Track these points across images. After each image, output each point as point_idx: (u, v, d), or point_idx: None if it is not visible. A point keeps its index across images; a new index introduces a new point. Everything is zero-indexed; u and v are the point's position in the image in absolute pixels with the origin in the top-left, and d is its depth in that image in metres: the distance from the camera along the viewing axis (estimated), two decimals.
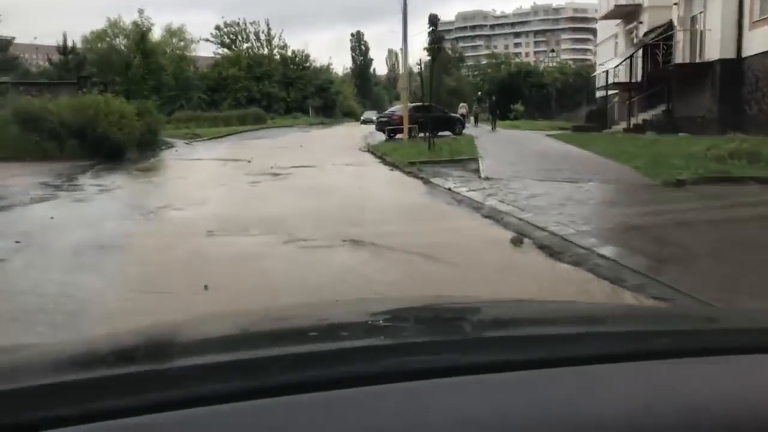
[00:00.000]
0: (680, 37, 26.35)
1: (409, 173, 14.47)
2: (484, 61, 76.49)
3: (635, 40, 32.14)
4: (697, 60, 24.96)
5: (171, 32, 56.34)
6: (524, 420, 0.76)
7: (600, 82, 35.10)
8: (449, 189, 11.43)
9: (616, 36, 35.96)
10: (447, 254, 6.40)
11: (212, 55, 63.23)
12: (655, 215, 8.27)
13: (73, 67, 36.96)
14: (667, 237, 6.95)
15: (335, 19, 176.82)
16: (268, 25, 65.70)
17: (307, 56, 65.56)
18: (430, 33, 19.24)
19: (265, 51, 63.93)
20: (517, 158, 16.29)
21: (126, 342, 1.19)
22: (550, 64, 70.80)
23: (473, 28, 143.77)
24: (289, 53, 64.66)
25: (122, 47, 51.10)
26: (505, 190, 10.67)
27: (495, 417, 0.75)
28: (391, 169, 16.01)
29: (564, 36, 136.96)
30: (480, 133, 28.99)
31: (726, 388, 0.84)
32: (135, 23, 50.22)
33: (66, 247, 6.71)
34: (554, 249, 6.67)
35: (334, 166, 17.14)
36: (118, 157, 19.96)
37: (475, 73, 73.01)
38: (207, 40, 62.40)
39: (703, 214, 8.23)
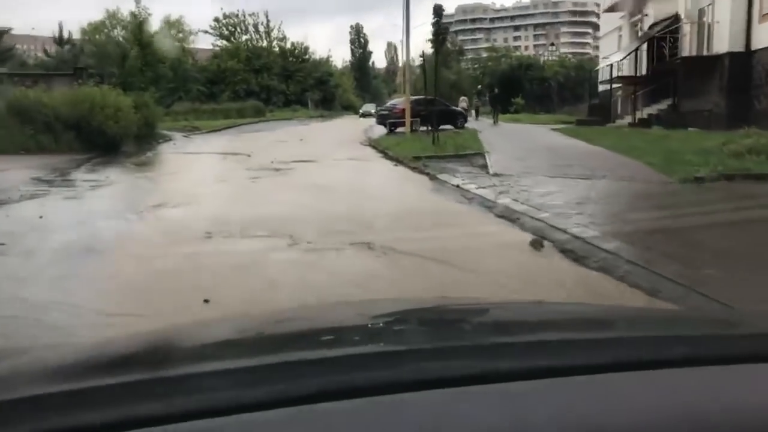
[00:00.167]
0: (687, 30, 25.85)
1: (414, 169, 13.99)
2: (484, 55, 75.96)
3: (640, 33, 31.64)
4: (705, 53, 24.48)
5: (169, 24, 55.83)
6: (548, 429, 0.73)
7: (604, 75, 34.55)
8: (458, 186, 10.97)
9: (619, 29, 35.44)
10: (464, 260, 5.96)
11: (211, 47, 62.79)
12: (679, 215, 7.81)
13: (69, 58, 36.36)
14: (698, 240, 6.51)
15: (334, 11, 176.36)
16: (267, 17, 65.37)
17: (306, 48, 65.11)
18: (434, 24, 18.75)
19: (264, 43, 63.49)
20: (524, 153, 15.82)
21: (125, 348, 1.16)
22: (550, 58, 70.34)
23: (473, 21, 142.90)
24: (288, 45, 64.24)
25: (120, 38, 50.53)
26: (516, 188, 10.21)
27: (516, 428, 0.73)
28: (395, 164, 15.55)
29: (564, 30, 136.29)
30: (482, 127, 28.51)
31: (747, 398, 0.82)
32: (132, 13, 49.67)
33: (50, 253, 6.23)
34: (578, 253, 6.22)
35: (335, 161, 16.67)
36: (114, 150, 19.52)
37: (476, 66, 72.39)
38: (206, 32, 62.01)
39: (733, 214, 7.77)
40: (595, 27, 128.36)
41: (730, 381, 0.86)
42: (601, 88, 37.31)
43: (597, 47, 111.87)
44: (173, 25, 56.74)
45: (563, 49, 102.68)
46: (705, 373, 0.88)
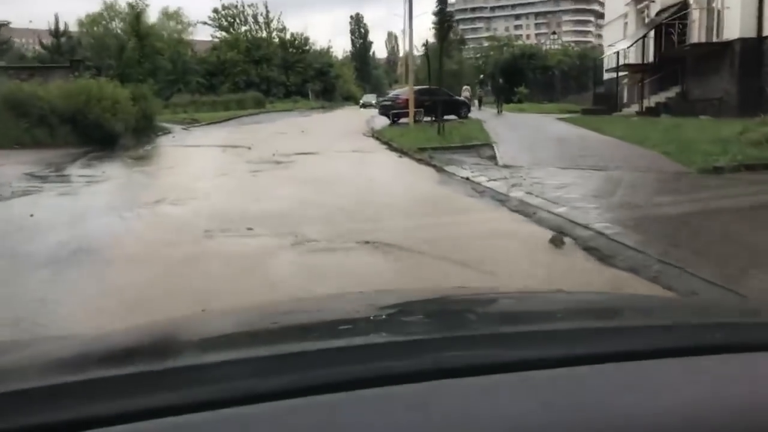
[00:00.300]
0: (696, 16, 25.29)
1: (420, 161, 13.54)
2: (485, 44, 75.17)
3: (646, 20, 31.09)
4: (714, 39, 23.93)
5: (168, 15, 55.30)
6: (574, 418, 0.73)
7: (609, 63, 33.98)
8: (467, 178, 10.52)
9: (625, 16, 34.87)
10: (481, 259, 5.53)
11: (210, 38, 62.28)
12: (705, 208, 7.38)
13: (66, 50, 35.79)
14: (731, 235, 6.09)
15: (334, 1, 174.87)
16: (266, 7, 64.89)
17: (307, 39, 64.66)
18: (438, 11, 18.27)
19: (264, 34, 63.08)
20: (533, 143, 15.36)
21: (127, 340, 1.15)
22: (552, 47, 69.62)
23: (473, 10, 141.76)
24: (288, 36, 63.76)
25: (118, 30, 50.00)
26: (529, 180, 9.77)
27: (542, 415, 0.73)
28: (400, 156, 15.10)
29: (565, 18, 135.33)
30: (486, 116, 28.01)
31: None
32: (130, 4, 49.09)
33: (37, 255, 5.78)
34: (603, 251, 5.79)
35: (338, 152, 16.21)
36: (111, 144, 19.07)
37: (477, 55, 71.65)
38: (205, 23, 61.49)
39: (762, 206, 7.34)
40: (598, 15, 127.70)
41: (750, 369, 0.85)
42: (606, 76, 36.76)
43: (599, 35, 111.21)
44: (172, 17, 56.19)
45: (565, 38, 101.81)
46: (739, 360, 0.86)
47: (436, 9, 18.54)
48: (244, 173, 12.37)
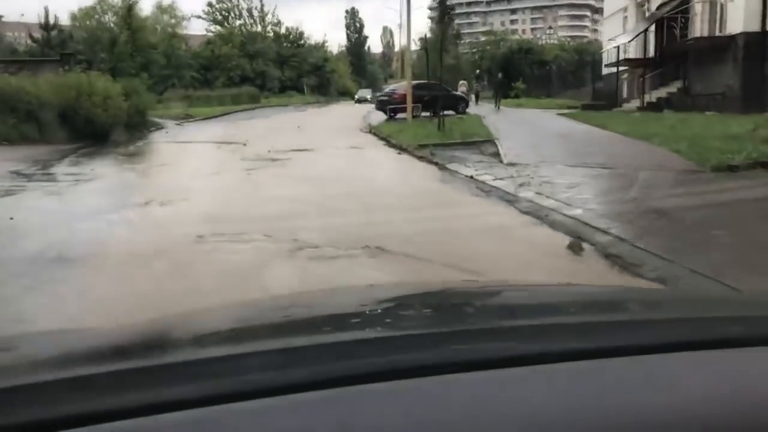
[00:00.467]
0: (698, 10, 24.84)
1: (420, 158, 13.09)
2: (482, 38, 74.63)
3: (647, 14, 30.65)
4: (717, 33, 23.50)
5: (162, 9, 54.62)
6: (593, 411, 0.73)
7: (609, 58, 33.50)
8: (471, 177, 10.09)
9: (624, 10, 34.40)
10: (495, 268, 5.10)
11: (204, 32, 61.71)
12: (729, 211, 6.97)
13: (56, 43, 35.07)
14: (763, 241, 5.66)
15: None
16: (261, 1, 64.23)
17: (302, 33, 64.30)
18: (439, 3, 17.76)
19: (259, 28, 62.71)
20: (537, 140, 14.91)
21: (127, 335, 1.14)
22: (548, 41, 69.20)
23: (469, 4, 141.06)
24: (283, 30, 63.28)
25: (111, 24, 49.29)
26: (537, 179, 9.34)
27: (562, 409, 0.73)
28: (399, 153, 14.66)
29: (561, 13, 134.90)
30: (484, 112, 27.51)
31: None
32: None
33: (10, 264, 5.32)
34: (626, 259, 5.36)
35: (336, 149, 15.76)
36: (102, 140, 18.61)
37: (474, 50, 71.11)
38: (199, 17, 60.97)
39: None
40: (594, 10, 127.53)
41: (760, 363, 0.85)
42: (605, 71, 36.31)
43: (595, 30, 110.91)
44: (165, 11, 55.48)
45: (560, 33, 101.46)
46: (755, 353, 0.86)
47: (435, 2, 17.96)
48: (239, 171, 11.91)
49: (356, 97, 55.16)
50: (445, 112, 21.84)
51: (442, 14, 16.93)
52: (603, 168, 10.39)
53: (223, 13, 61.93)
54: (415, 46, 37.59)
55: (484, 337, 0.92)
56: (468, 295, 1.39)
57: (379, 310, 1.21)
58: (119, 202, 8.48)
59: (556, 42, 68.80)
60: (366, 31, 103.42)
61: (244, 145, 17.03)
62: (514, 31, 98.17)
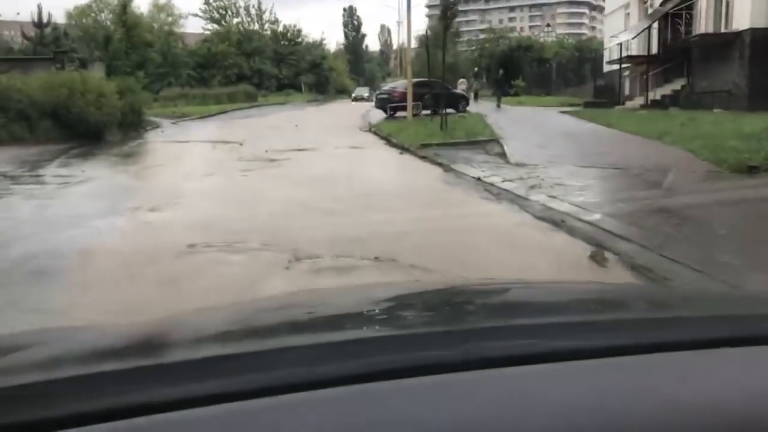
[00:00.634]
0: (703, 5, 24.40)
1: (424, 158, 12.63)
2: (481, 36, 74.13)
3: (649, 11, 30.22)
4: (723, 30, 23.08)
5: (158, 7, 54.09)
6: (625, 407, 0.72)
7: (612, 55, 33.07)
8: (478, 179, 9.64)
9: (626, 6, 33.98)
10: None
11: (201, 31, 61.22)
12: (760, 216, 6.52)
13: (50, 41, 34.52)
14: None
15: None
16: None
17: (299, 31, 63.78)
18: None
19: (256, 26, 62.28)
20: (543, 139, 14.45)
21: (126, 336, 1.12)
22: (547, 39, 68.75)
23: (467, 2, 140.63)
24: (281, 28, 62.81)
25: (107, 22, 48.78)
26: (548, 181, 8.89)
27: (595, 405, 0.72)
28: (401, 153, 14.20)
29: (559, 10, 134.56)
30: (485, 110, 27.02)
31: None
32: None
33: None
34: (656, 272, 4.91)
35: (335, 149, 15.30)
36: (96, 139, 18.13)
37: (473, 48, 70.60)
38: (195, 15, 60.51)
39: None
40: (592, 7, 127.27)
41: None
42: (606, 68, 35.92)
43: (593, 28, 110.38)
44: (162, 8, 54.95)
45: (559, 31, 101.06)
46: (756, 353, 0.85)
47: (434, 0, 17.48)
48: (235, 173, 11.44)
49: (353, 95, 54.63)
50: (446, 111, 21.42)
51: (446, 9, 16.47)
52: (615, 168, 9.95)
53: (220, 11, 61.40)
54: (414, 44, 37.12)
55: (493, 335, 0.91)
56: (474, 293, 1.37)
57: (381, 309, 1.19)
58: (108, 207, 7.98)
59: (554, 39, 68.33)
60: (363, 30, 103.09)
61: (241, 144, 16.58)
62: (513, 29, 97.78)
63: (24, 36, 37.81)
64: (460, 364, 0.76)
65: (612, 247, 5.60)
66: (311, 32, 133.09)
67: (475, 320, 1.08)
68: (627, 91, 32.14)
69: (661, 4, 28.08)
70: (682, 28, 25.45)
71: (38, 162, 13.22)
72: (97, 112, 18.81)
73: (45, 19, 36.08)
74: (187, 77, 49.81)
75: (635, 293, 1.49)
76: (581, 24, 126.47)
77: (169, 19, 54.87)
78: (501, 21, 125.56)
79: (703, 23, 24.25)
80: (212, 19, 61.14)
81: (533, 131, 16.72)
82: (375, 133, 19.36)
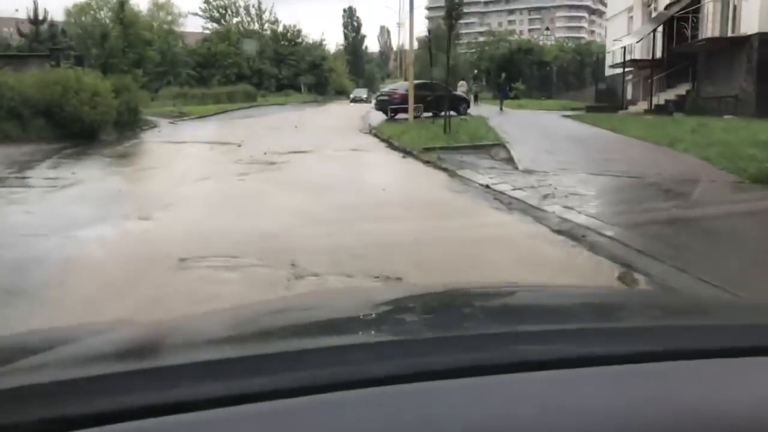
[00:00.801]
0: (709, 9, 24.00)
1: (427, 162, 12.19)
2: (480, 38, 73.79)
3: (653, 14, 29.84)
4: (730, 34, 22.68)
5: (158, 6, 53.65)
6: (635, 415, 0.70)
7: (615, 59, 32.67)
8: (487, 186, 9.19)
9: (629, 10, 33.61)
10: None
11: (201, 30, 60.87)
12: None
13: (46, 38, 34.02)
14: None
15: None
16: None
17: (299, 32, 63.42)
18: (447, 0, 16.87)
19: (256, 26, 61.97)
20: (549, 144, 14.00)
21: (130, 338, 1.12)
22: (546, 42, 68.48)
23: (467, 4, 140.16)
24: (281, 29, 62.49)
25: (107, 20, 48.32)
26: (561, 189, 8.45)
27: (605, 412, 0.71)
28: (404, 157, 13.75)
29: (558, 14, 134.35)
30: (487, 113, 26.57)
31: None
32: None
33: None
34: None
35: (336, 151, 14.86)
36: (90, 139, 17.67)
37: (472, 50, 70.25)
38: (195, 14, 60.17)
39: None
40: (591, 11, 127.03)
41: None
42: (608, 72, 35.52)
43: (592, 32, 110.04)
44: (162, 7, 54.53)
45: (558, 34, 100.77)
46: (753, 363, 0.83)
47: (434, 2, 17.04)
48: (232, 177, 10.98)
49: (352, 96, 54.25)
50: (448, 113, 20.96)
51: (450, 9, 16.03)
52: (630, 177, 9.50)
53: (220, 10, 61.16)
54: (415, 45, 36.70)
55: (504, 341, 0.89)
56: (489, 297, 1.36)
57: (378, 314, 1.17)
58: (95, 215, 7.48)
59: (554, 43, 68.03)
60: (363, 31, 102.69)
61: (239, 146, 16.14)
62: (512, 32, 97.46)
63: (19, 32, 37.25)
64: (468, 369, 0.75)
65: (640, 267, 5.16)
66: (311, 33, 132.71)
67: (487, 325, 1.07)
68: (629, 96, 31.75)
69: (666, 8, 27.69)
70: (689, 32, 25.03)
71: (28, 162, 12.74)
72: (92, 110, 18.33)
73: (41, 16, 35.55)
74: (187, 76, 49.43)
75: (644, 299, 1.48)
76: (580, 28, 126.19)
77: (169, 17, 54.49)
78: (500, 24, 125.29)
79: (710, 27, 23.86)
80: (212, 19, 60.99)
81: (539, 135, 16.27)
82: (376, 136, 18.94)
